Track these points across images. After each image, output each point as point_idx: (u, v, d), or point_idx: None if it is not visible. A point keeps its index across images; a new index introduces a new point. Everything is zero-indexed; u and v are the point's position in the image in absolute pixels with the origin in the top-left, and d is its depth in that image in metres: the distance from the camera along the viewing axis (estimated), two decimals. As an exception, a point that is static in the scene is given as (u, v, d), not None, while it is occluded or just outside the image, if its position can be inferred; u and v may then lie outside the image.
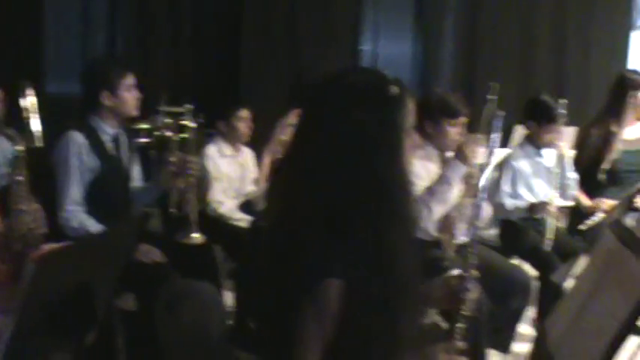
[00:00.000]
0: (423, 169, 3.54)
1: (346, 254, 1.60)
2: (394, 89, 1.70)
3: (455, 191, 3.42)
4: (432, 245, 3.45)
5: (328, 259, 1.59)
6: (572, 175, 4.21)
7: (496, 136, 2.43)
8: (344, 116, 1.67)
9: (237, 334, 3.27)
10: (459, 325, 1.96)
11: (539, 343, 2.11)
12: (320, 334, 1.61)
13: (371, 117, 1.66)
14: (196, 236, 3.59)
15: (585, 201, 4.26)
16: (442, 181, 3.32)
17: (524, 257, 4.18)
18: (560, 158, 4.07)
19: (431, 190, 3.33)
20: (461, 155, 3.34)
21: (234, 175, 4.48)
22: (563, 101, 4.04)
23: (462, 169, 3.38)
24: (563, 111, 4.02)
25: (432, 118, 3.57)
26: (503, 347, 3.67)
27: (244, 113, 4.47)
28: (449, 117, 3.58)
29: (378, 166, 1.66)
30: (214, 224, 4.12)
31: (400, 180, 1.71)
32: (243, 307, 3.09)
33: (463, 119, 3.61)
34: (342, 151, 1.65)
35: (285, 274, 1.65)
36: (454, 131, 3.58)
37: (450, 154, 3.57)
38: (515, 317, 3.69)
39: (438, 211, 3.39)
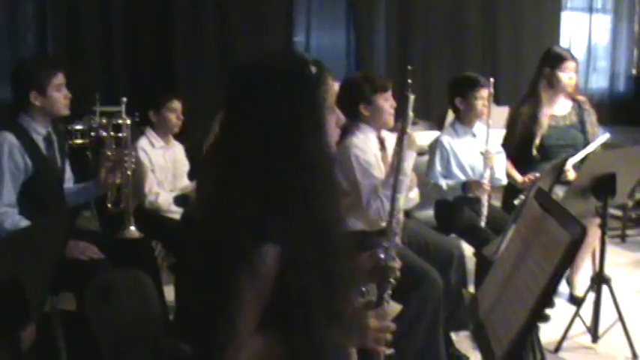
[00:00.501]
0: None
1: (281, 224, 1.67)
2: (313, 69, 1.76)
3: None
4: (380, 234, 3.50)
5: (264, 226, 1.66)
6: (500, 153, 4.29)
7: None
8: (266, 98, 1.73)
9: (177, 326, 3.28)
10: (388, 292, 2.05)
11: (472, 311, 2.17)
12: (256, 299, 1.67)
13: (292, 96, 1.73)
14: (133, 231, 3.58)
15: (518, 177, 4.34)
16: (399, 172, 3.37)
17: (461, 234, 4.26)
18: (491, 135, 4.12)
19: (388, 183, 3.36)
20: (408, 139, 3.39)
21: (166, 166, 4.42)
22: (491, 80, 4.11)
23: (413, 155, 3.46)
24: (491, 89, 4.10)
25: (365, 98, 3.63)
26: (465, 325, 3.75)
27: (176, 104, 4.42)
28: (381, 91, 3.65)
29: (302, 142, 1.72)
30: (152, 219, 4.09)
31: (324, 154, 1.78)
32: (183, 298, 3.09)
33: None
34: (267, 130, 1.71)
35: (221, 244, 1.70)
36: (388, 105, 3.65)
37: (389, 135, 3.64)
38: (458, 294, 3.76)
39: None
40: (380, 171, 3.59)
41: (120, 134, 3.67)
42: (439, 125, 5.72)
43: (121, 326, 2.14)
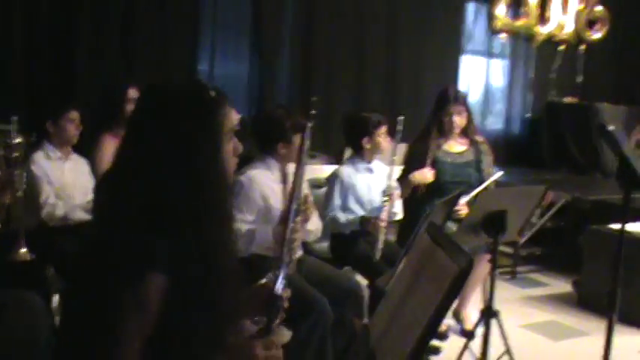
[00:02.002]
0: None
1: (169, 250, 1.63)
2: (211, 93, 1.78)
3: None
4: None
5: (151, 254, 1.62)
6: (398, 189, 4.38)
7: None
8: (161, 118, 1.74)
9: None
10: (276, 322, 2.04)
11: (361, 341, 2.19)
12: (138, 331, 1.62)
13: (188, 118, 1.73)
14: (24, 253, 3.46)
15: (416, 208, 4.43)
16: (292, 202, 3.41)
17: (355, 267, 4.30)
18: (389, 172, 4.21)
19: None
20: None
21: (64, 179, 4.25)
22: (400, 118, 4.20)
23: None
24: (400, 127, 4.19)
25: (285, 138, 3.69)
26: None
27: (74, 115, 4.28)
28: (300, 131, 3.69)
29: (196, 165, 1.72)
30: (47, 241, 3.96)
31: (218, 180, 1.78)
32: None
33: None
34: (162, 153, 1.71)
35: (106, 270, 1.65)
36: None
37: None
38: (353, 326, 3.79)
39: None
40: (276, 203, 3.63)
41: (12, 154, 3.53)
42: (337, 159, 5.78)
43: (6, 350, 2.07)
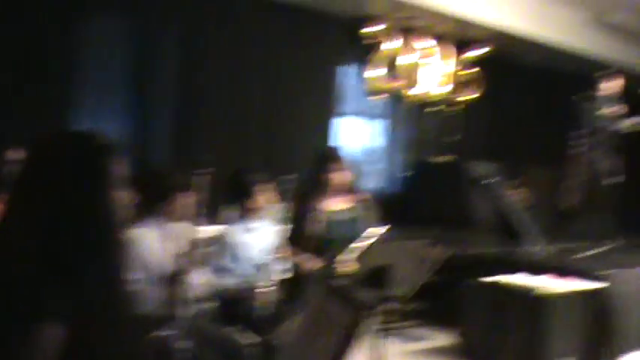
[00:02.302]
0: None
1: (62, 298, 1.60)
2: (98, 141, 1.82)
3: None
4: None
5: (43, 302, 1.58)
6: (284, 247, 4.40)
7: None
8: (52, 169, 1.74)
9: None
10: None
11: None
12: None
13: (76, 167, 1.76)
14: None
15: (307, 264, 4.46)
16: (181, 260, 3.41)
17: (246, 325, 4.26)
18: (275, 230, 4.23)
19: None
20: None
21: None
22: (285, 177, 4.24)
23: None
24: (285, 186, 4.23)
25: (165, 195, 3.75)
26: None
27: None
28: (184, 190, 3.74)
29: (83, 209, 1.73)
30: None
31: (107, 224, 1.77)
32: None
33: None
34: (52, 197, 1.71)
35: None
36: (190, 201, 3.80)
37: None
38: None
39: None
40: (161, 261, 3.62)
41: None
42: (220, 219, 5.75)
43: None
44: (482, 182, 3.59)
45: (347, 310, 1.76)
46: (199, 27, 7.00)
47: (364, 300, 3.83)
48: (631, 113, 7.81)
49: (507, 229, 3.56)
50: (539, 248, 3.93)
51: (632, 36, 10.33)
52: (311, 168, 4.79)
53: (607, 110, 7.89)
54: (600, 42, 10.11)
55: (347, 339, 1.72)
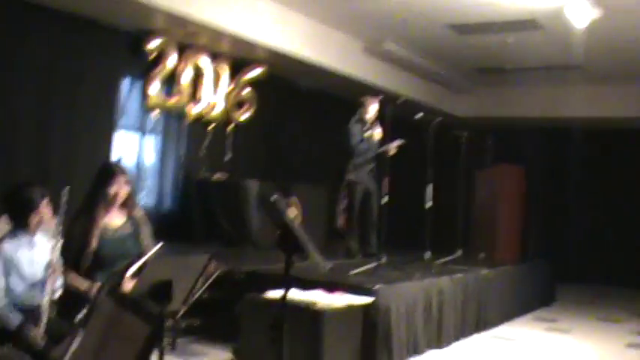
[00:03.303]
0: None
1: None
2: None
3: None
4: None
5: None
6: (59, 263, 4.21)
7: None
8: None
9: None
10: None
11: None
12: None
13: None
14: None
15: (81, 285, 4.28)
16: None
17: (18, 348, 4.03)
18: (52, 245, 4.04)
19: None
20: None
21: None
22: (64, 190, 4.05)
23: None
24: (64, 199, 4.04)
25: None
26: None
27: None
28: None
29: None
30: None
31: None
32: None
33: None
34: None
35: None
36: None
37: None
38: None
39: None
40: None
41: None
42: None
43: None
44: (260, 199, 3.68)
45: (145, 318, 1.73)
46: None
47: (153, 313, 3.77)
48: (394, 136, 8.26)
49: (285, 246, 3.65)
50: (315, 264, 4.05)
51: (402, 64, 11.00)
52: (93, 181, 4.60)
53: (373, 133, 8.31)
54: (372, 68, 10.69)
55: (147, 348, 1.68)
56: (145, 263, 4.20)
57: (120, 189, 4.55)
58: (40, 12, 7.15)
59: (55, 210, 4.07)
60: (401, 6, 8.46)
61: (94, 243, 4.44)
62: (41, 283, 3.96)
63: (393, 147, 8.32)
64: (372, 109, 8.37)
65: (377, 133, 8.31)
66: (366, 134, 8.25)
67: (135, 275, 4.07)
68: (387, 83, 10.93)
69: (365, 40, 10.25)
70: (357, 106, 8.43)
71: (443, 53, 10.76)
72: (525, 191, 11.01)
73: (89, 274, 4.34)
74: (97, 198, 4.54)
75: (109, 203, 4.55)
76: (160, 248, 4.51)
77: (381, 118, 8.32)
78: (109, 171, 4.58)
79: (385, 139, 8.28)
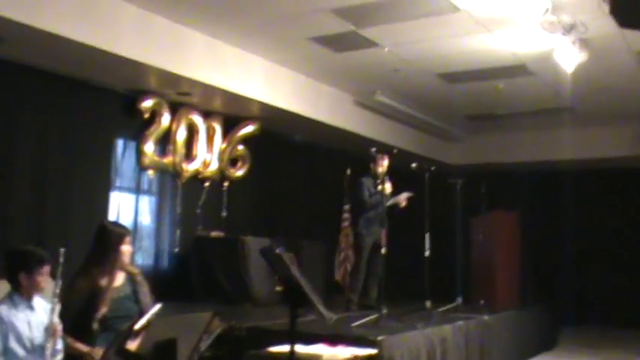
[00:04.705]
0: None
1: None
2: None
3: None
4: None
5: None
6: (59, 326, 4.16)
7: None
8: None
9: None
10: None
11: None
12: None
13: None
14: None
15: (84, 348, 4.24)
16: None
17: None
18: (52, 307, 4.01)
19: None
20: None
21: None
22: (62, 250, 4.03)
23: None
24: (62, 259, 4.01)
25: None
26: None
27: None
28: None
29: None
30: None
31: None
32: None
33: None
34: None
35: None
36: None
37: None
38: None
39: None
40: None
41: None
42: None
43: None
44: (263, 253, 3.67)
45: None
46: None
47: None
48: (396, 189, 8.30)
49: (289, 300, 3.63)
50: (320, 316, 4.03)
51: (393, 115, 11.06)
52: (98, 242, 4.57)
53: (375, 186, 8.32)
54: (363, 120, 10.75)
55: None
56: (149, 322, 4.17)
57: (129, 250, 4.54)
58: (35, 74, 7.22)
59: (53, 271, 4.04)
60: (389, 58, 8.54)
61: (103, 305, 4.38)
62: (41, 348, 3.91)
63: (403, 199, 8.35)
64: (383, 163, 8.39)
65: (388, 187, 8.31)
66: (378, 188, 8.25)
67: (137, 334, 4.04)
68: (379, 135, 10.98)
69: (355, 92, 10.31)
70: (359, 160, 8.43)
71: (433, 102, 10.82)
72: (520, 236, 10.98)
73: (92, 338, 4.29)
74: (104, 258, 4.50)
75: (116, 264, 4.51)
76: (160, 309, 4.49)
77: (385, 171, 8.34)
78: (118, 233, 4.56)
79: (389, 192, 8.29)
